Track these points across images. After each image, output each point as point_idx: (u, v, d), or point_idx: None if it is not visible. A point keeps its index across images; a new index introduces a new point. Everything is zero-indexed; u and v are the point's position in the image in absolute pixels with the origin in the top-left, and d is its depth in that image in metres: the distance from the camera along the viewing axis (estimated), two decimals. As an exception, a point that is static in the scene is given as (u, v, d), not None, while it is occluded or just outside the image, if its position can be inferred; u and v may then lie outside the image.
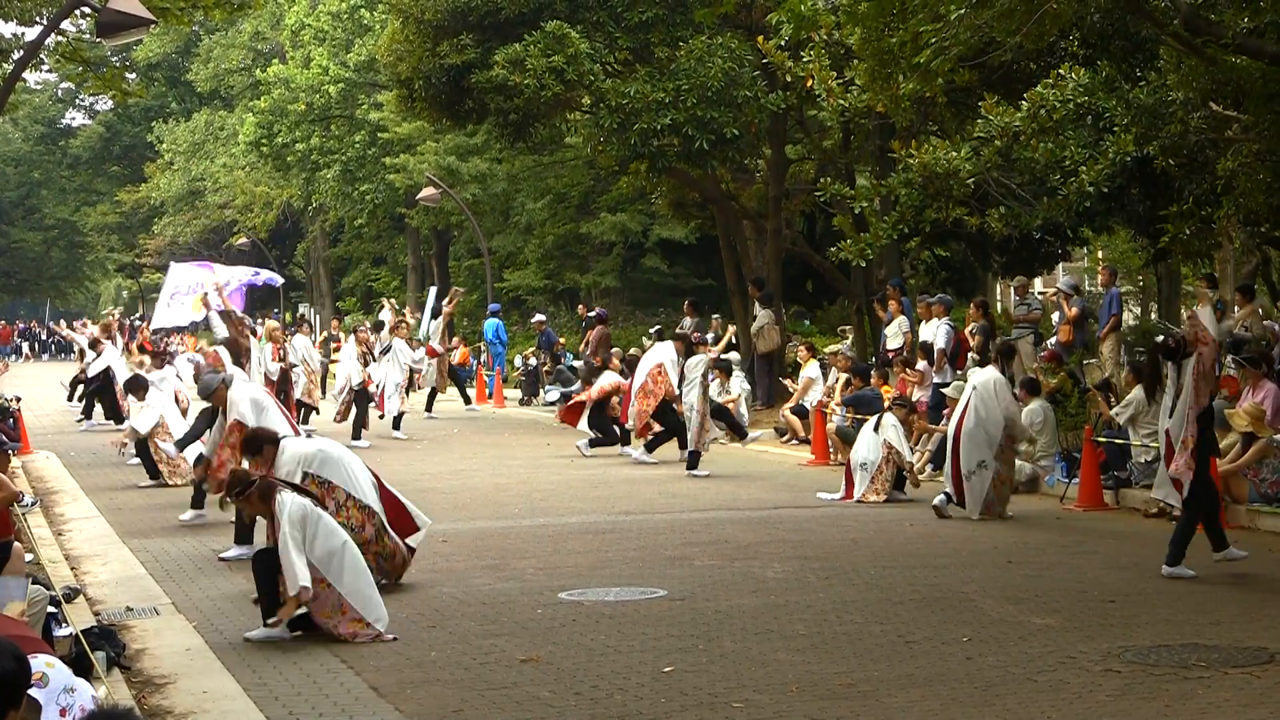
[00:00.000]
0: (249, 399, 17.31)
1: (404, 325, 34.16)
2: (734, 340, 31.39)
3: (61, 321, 62.22)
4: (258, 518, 13.81)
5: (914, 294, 29.98)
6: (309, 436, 18.85)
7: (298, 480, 13.75)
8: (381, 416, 31.38)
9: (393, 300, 44.40)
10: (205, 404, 18.74)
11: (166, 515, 19.78)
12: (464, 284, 63.66)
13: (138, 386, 24.23)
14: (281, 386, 29.83)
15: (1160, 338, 18.09)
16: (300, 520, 12.38)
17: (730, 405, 27.47)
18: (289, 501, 12.50)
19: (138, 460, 24.12)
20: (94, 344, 36.05)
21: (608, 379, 28.72)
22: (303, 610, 12.45)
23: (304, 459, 14.40)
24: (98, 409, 34.82)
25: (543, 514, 20.16)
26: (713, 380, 29.45)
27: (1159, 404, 15.88)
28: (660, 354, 26.77)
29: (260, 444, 14.48)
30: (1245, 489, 18.30)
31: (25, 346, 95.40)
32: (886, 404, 22.87)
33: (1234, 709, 10.00)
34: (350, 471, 14.53)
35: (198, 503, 19.40)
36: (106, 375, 33.53)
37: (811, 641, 12.19)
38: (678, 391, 25.70)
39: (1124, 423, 21.19)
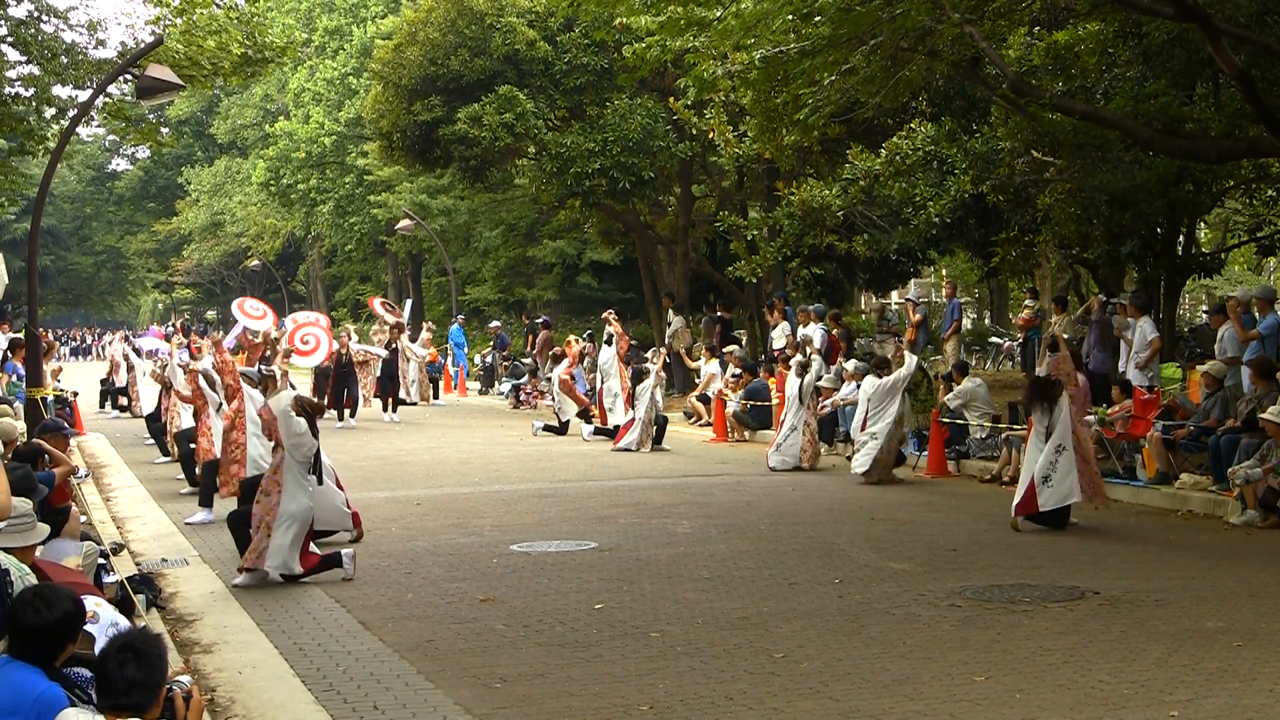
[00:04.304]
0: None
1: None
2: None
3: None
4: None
5: (795, 304, 29.94)
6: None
7: None
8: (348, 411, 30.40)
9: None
10: None
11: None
12: (434, 297, 63.50)
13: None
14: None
15: (1039, 373, 17.46)
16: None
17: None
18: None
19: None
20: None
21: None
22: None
23: None
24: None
25: (498, 482, 20.01)
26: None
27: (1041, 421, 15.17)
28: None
29: None
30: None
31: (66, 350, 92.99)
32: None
33: (1052, 636, 9.99)
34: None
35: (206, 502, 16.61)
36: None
37: (714, 583, 12.13)
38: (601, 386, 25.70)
39: (954, 408, 21.22)
